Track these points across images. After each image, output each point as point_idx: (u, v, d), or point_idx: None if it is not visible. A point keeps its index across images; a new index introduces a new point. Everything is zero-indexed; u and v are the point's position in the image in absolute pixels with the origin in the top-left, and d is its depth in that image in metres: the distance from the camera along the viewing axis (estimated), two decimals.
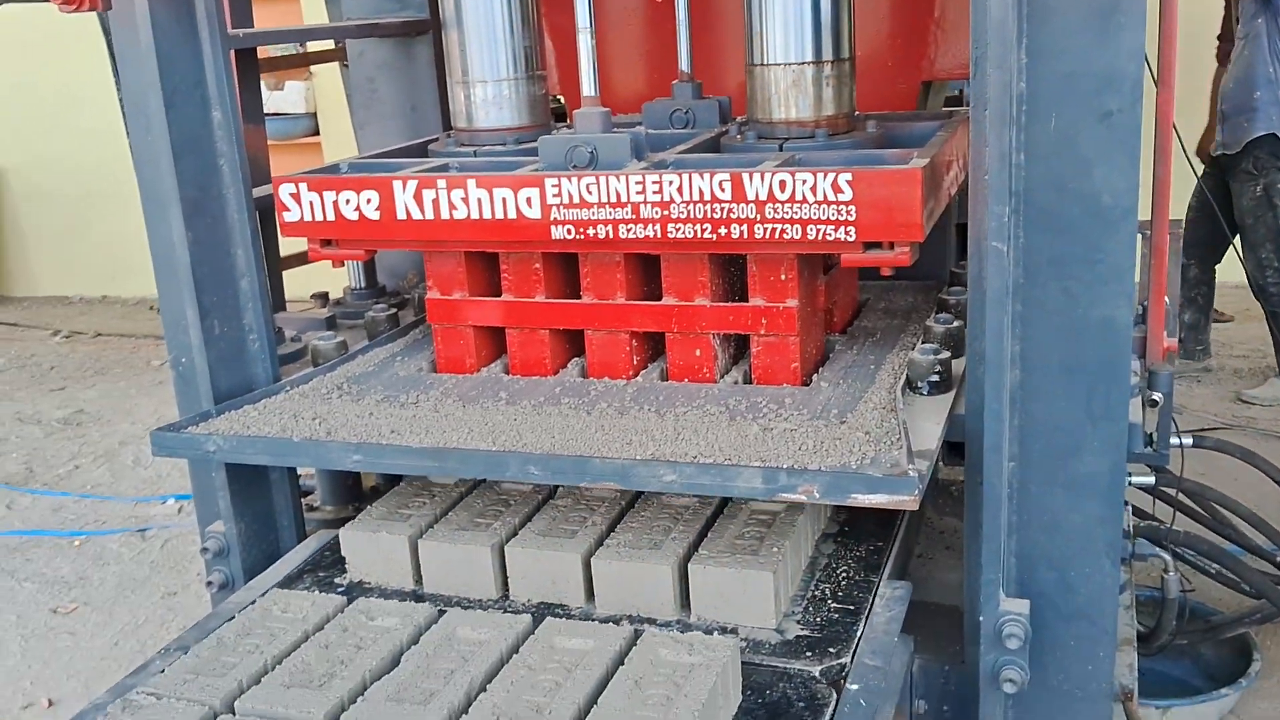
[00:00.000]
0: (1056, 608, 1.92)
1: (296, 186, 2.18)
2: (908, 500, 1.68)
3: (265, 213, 2.58)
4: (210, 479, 2.28)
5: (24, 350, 8.68)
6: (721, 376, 2.20)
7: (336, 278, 3.09)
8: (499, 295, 2.29)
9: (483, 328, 2.33)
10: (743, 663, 1.77)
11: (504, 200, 2.05)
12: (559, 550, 1.99)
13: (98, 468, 6.14)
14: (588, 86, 2.11)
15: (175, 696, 1.66)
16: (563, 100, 3.21)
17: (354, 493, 2.68)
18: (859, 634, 1.86)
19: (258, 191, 2.42)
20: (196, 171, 2.20)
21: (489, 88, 2.35)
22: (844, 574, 2.06)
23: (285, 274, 3.18)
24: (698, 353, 2.18)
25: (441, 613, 1.86)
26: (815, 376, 2.17)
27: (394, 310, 2.76)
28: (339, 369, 2.41)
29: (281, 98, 8.58)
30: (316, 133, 8.69)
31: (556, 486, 2.20)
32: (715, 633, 1.85)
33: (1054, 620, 1.92)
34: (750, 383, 2.18)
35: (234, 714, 1.64)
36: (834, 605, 1.96)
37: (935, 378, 2.05)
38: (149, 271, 2.24)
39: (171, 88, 2.12)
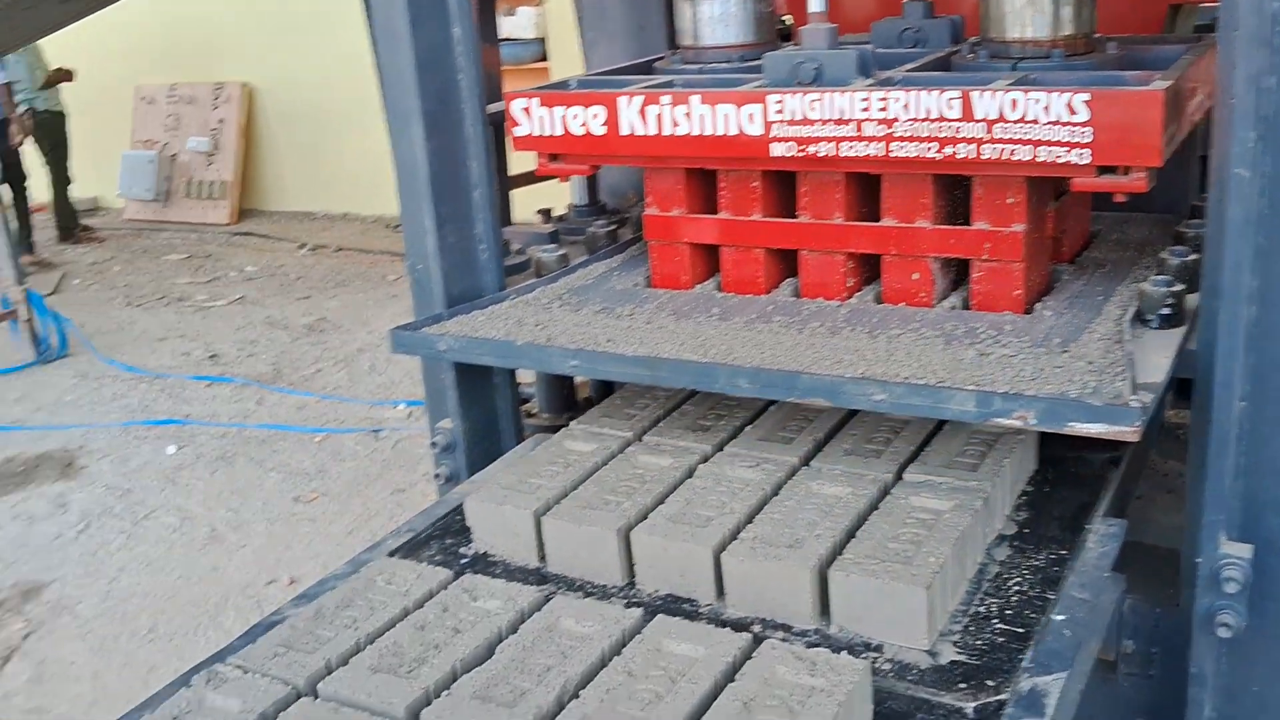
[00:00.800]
0: None
1: (528, 101, 2.26)
2: (1128, 431, 1.63)
3: (496, 129, 2.68)
4: (440, 378, 2.42)
5: (274, 260, 9.31)
6: (939, 301, 2.17)
7: (561, 196, 3.19)
8: (716, 213, 2.32)
9: (698, 245, 2.37)
10: (882, 689, 1.54)
11: (726, 116, 2.07)
12: (688, 541, 1.78)
13: (337, 371, 6.56)
14: (815, 2, 2.10)
15: (261, 672, 1.58)
16: (790, 20, 3.18)
17: (569, 402, 2.80)
18: (1023, 663, 1.60)
19: (491, 108, 2.53)
20: (437, 86, 2.31)
21: (716, 5, 2.37)
22: (1016, 587, 1.78)
23: (513, 194, 3.30)
24: (915, 276, 2.16)
25: (548, 597, 1.71)
26: (1038, 305, 2.11)
27: (614, 227, 2.83)
28: (560, 281, 2.51)
29: (514, 23, 8.81)
30: (545, 58, 8.89)
31: (696, 465, 2.03)
32: (854, 649, 1.64)
33: (1279, 568, 1.83)
34: (969, 309, 2.14)
35: (316, 696, 1.55)
36: (999, 626, 1.69)
37: (1167, 311, 1.97)
38: (386, 193, 2.38)
39: (416, 4, 2.23)
